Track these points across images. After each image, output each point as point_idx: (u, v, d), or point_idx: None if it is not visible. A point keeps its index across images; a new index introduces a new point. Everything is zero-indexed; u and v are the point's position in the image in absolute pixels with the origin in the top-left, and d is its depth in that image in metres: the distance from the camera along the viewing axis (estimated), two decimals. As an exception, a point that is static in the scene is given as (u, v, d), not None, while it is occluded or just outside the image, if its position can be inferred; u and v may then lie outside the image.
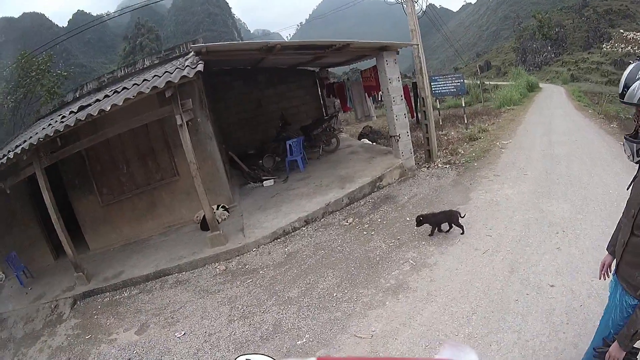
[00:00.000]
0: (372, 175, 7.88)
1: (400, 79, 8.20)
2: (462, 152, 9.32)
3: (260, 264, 5.91)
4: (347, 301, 4.52)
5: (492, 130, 11.30)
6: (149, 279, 6.19)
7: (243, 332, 4.42)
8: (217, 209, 7.56)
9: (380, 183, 7.79)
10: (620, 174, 6.43)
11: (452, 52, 62.92)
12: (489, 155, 8.82)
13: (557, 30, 44.51)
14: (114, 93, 6.18)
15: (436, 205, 6.55)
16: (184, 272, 6.20)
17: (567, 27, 46.27)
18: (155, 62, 8.90)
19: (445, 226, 5.56)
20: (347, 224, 6.61)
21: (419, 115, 10.03)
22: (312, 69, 13.44)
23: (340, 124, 13.61)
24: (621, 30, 38.40)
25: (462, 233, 5.40)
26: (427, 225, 5.56)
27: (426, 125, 8.91)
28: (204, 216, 7.00)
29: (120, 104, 5.39)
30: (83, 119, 5.43)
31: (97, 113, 5.38)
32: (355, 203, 7.36)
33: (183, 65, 6.21)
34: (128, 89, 6.01)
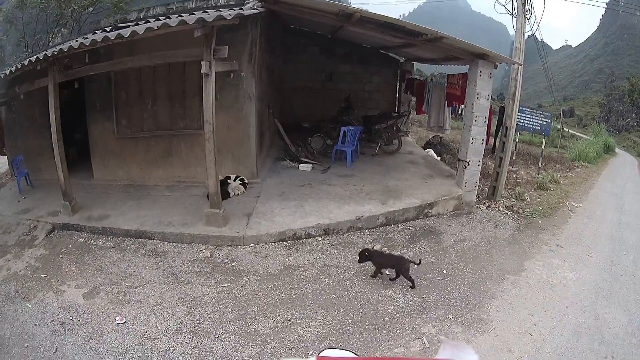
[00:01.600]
0: (423, 198, 6.50)
1: (489, 98, 6.77)
2: (528, 199, 7.92)
3: (248, 267, 4.93)
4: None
5: (563, 184, 9.92)
6: (129, 236, 5.60)
7: (183, 353, 3.61)
8: (235, 180, 6.59)
9: (430, 211, 6.41)
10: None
11: (540, 88, 62.36)
12: (556, 215, 7.42)
13: None
14: (155, 21, 5.35)
15: (483, 261, 5.34)
16: (165, 242, 5.48)
17: (658, 99, 45.70)
18: (231, 2, 7.87)
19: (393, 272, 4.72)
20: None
21: (497, 145, 8.81)
22: (396, 57, 12.01)
23: (411, 125, 12.08)
24: None
25: (412, 287, 4.57)
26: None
27: (501, 158, 7.44)
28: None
29: (140, 32, 4.66)
30: (99, 40, 4.84)
31: (114, 37, 4.70)
32: (392, 226, 6.06)
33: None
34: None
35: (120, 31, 4.69)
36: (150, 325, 3.92)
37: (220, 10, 5.27)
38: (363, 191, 6.79)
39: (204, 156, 5.39)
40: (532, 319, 4.22)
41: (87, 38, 5.21)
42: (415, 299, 4.39)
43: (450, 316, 4.16)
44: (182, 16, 4.96)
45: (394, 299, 4.36)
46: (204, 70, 4.92)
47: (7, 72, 6.01)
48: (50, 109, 5.67)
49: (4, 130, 7.70)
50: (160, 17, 6.17)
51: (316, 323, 3.94)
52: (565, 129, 23.81)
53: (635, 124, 40.94)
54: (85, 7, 10.07)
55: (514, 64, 7.14)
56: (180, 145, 6.97)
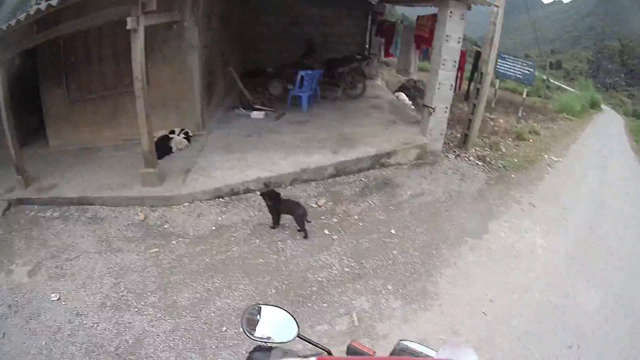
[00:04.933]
0: (380, 146, 5.94)
1: (461, 41, 6.12)
2: (504, 150, 7.39)
3: (180, 229, 4.54)
4: (232, 347, 3.07)
5: (544, 136, 9.37)
6: (73, 203, 5.19)
7: (104, 329, 3.36)
8: (179, 134, 6.11)
9: (388, 161, 5.89)
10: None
11: (528, 39, 60.84)
12: (533, 169, 6.87)
13: (637, 62, 43.34)
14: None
15: (440, 220, 4.83)
16: (105, 207, 5.08)
17: (649, 63, 45.21)
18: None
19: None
20: (315, 206, 4.94)
21: (470, 91, 8.10)
22: (368, -3, 11.25)
23: (379, 68, 11.56)
24: None
25: (306, 237, 4.29)
26: None
27: (475, 105, 6.83)
28: (159, 139, 5.85)
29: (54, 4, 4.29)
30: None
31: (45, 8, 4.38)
32: (343, 177, 5.56)
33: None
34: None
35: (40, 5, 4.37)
36: (80, 300, 3.69)
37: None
38: (315, 139, 6.26)
39: (151, 112, 5.02)
40: (488, 294, 3.78)
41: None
42: (352, 264, 3.98)
43: (390, 287, 3.74)
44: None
45: (328, 264, 3.95)
46: (129, 26, 4.50)
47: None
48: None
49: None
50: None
51: (236, 293, 3.59)
52: (551, 80, 23.20)
53: (623, 83, 41.09)
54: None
55: (492, 7, 6.39)
56: (126, 103, 6.43)
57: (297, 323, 1.34)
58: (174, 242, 4.34)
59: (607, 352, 3.32)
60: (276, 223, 4.45)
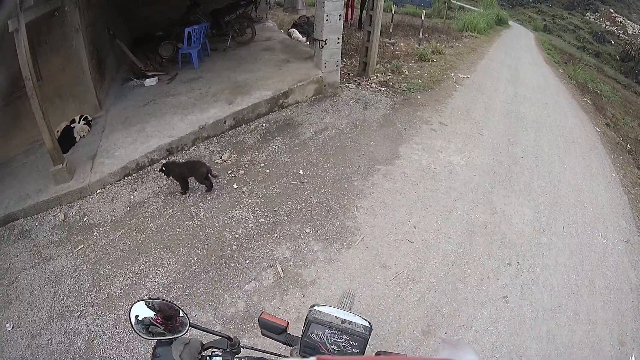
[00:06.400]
0: (276, 87, 5.96)
1: None
2: (407, 73, 7.43)
3: (98, 218, 4.46)
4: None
5: (449, 55, 9.28)
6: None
7: (58, 342, 3.38)
8: (79, 121, 5.85)
9: (285, 101, 5.96)
10: (597, 177, 4.86)
11: None
12: (440, 88, 6.83)
13: None
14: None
15: (348, 152, 4.83)
16: (29, 218, 4.90)
17: (556, -21, 44.81)
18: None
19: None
20: (219, 161, 4.97)
21: (364, 19, 8.06)
22: None
23: (270, 10, 11.05)
24: (611, 10, 36.60)
25: (208, 191, 4.38)
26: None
27: (369, 32, 6.87)
28: (62, 132, 5.66)
29: None
30: None
31: None
32: (243, 126, 5.57)
33: None
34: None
35: None
36: (30, 321, 3.64)
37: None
38: (209, 94, 6.14)
39: (49, 107, 4.90)
40: (410, 221, 3.73)
41: None
42: (266, 214, 4.05)
43: (308, 230, 3.77)
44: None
45: (242, 218, 4.04)
46: (11, 28, 4.27)
47: None
48: None
49: None
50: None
51: (162, 270, 3.68)
52: (452, 0, 22.42)
53: (531, 0, 39.60)
54: None
55: None
56: (26, 106, 6.03)
57: (186, 314, 1.35)
58: (95, 233, 4.31)
59: (549, 264, 3.38)
60: (185, 188, 4.51)
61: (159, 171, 4.46)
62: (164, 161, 4.94)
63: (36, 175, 5.47)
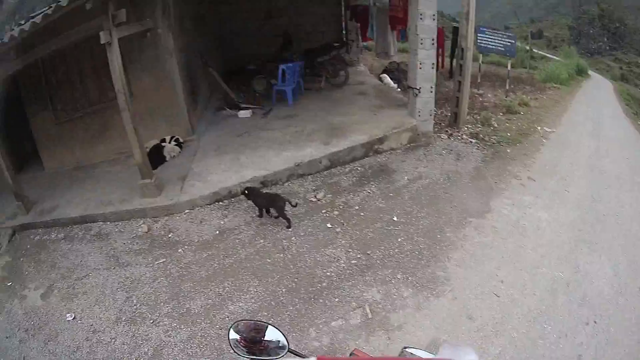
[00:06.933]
0: (371, 133, 5.91)
1: (435, 18, 6.00)
2: (496, 125, 7.22)
3: (184, 237, 4.56)
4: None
5: (534, 107, 9.10)
6: (76, 223, 5.24)
7: (122, 343, 3.43)
8: (170, 142, 6.09)
9: (380, 147, 5.87)
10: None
11: (505, 10, 59.54)
12: (527, 142, 6.68)
13: (617, 25, 42.53)
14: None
15: (441, 202, 4.76)
16: (108, 223, 5.12)
17: (628, 26, 43.61)
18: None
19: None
20: (314, 199, 4.93)
21: (454, 68, 7.99)
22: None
23: (360, 53, 11.34)
24: (686, 56, 36.20)
25: (288, 227, 4.42)
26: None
27: (460, 82, 6.74)
28: (151, 149, 5.86)
29: (39, 22, 4.38)
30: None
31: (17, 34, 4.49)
32: (337, 168, 5.55)
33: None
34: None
35: (23, 26, 4.45)
36: (95, 317, 3.75)
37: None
38: (304, 132, 6.21)
39: (139, 123, 5.07)
40: (498, 275, 3.72)
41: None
42: (359, 256, 3.98)
43: (399, 276, 3.72)
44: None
45: (335, 258, 3.96)
46: (103, 40, 4.51)
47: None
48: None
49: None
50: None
51: (247, 296, 3.62)
52: (534, 50, 22.72)
53: (607, 47, 40.05)
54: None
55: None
56: (114, 117, 6.30)
57: (286, 338, 1.32)
58: (180, 250, 4.36)
59: (625, 325, 3.26)
60: (261, 215, 4.66)
61: (241, 193, 4.70)
62: (248, 184, 5.00)
63: (120, 185, 5.70)
